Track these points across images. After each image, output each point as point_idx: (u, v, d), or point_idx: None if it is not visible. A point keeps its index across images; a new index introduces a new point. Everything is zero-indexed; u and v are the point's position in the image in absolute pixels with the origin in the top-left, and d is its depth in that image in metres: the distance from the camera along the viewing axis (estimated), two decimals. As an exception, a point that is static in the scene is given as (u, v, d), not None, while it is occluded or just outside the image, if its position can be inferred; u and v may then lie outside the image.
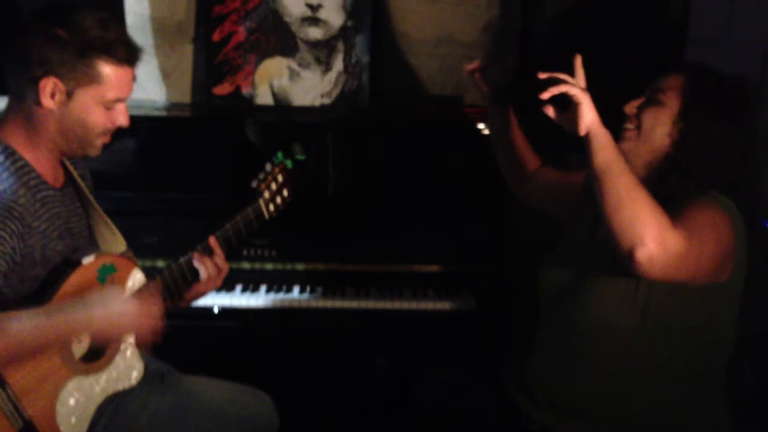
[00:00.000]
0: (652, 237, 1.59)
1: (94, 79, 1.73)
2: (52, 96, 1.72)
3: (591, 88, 1.85)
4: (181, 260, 1.97)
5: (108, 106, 1.78)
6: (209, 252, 1.99)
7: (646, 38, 2.62)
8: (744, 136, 1.80)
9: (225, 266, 2.02)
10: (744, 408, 2.03)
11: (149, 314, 1.79)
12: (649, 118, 1.84)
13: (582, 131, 1.71)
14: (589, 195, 1.99)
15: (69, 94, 1.73)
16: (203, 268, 1.97)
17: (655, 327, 1.79)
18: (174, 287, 1.96)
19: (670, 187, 1.80)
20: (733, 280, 1.77)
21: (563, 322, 1.91)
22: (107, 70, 1.74)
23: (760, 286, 2.39)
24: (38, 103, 1.72)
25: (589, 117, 1.71)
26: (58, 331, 1.68)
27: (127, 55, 1.77)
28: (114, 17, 1.78)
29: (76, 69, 1.71)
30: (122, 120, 1.82)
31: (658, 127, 1.82)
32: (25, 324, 1.62)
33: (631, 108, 1.88)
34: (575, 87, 1.72)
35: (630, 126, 1.87)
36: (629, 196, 1.64)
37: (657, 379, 1.83)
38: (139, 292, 1.86)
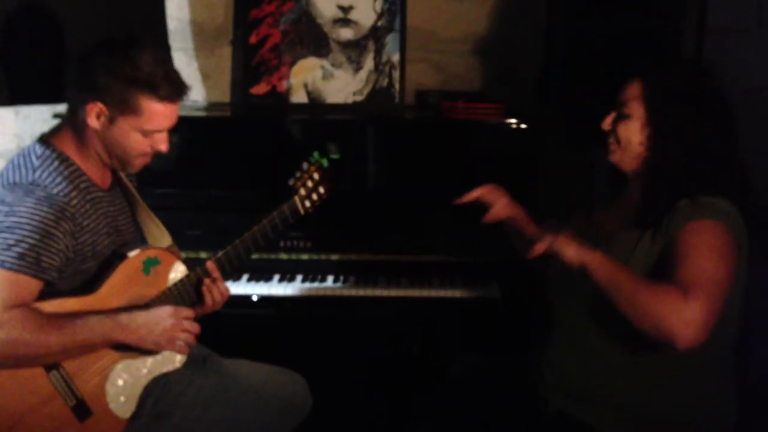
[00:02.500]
0: (678, 329, 1.67)
1: (134, 110, 1.88)
2: (97, 118, 1.89)
3: (609, 83, 1.95)
4: (184, 279, 2.07)
5: (146, 134, 1.93)
6: (208, 276, 2.09)
7: (662, 31, 2.66)
8: (713, 123, 1.85)
9: (226, 291, 2.12)
10: (749, 396, 2.08)
11: (181, 329, 1.94)
12: (623, 131, 1.92)
13: (575, 266, 1.81)
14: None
15: (111, 119, 1.89)
16: (206, 290, 2.08)
17: None
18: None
19: (659, 194, 1.86)
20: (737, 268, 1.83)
21: (571, 311, 2.00)
22: (148, 104, 1.88)
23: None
24: (85, 122, 1.89)
25: (572, 255, 1.80)
26: (106, 334, 1.86)
27: (171, 93, 1.91)
28: (168, 56, 1.94)
29: (120, 99, 1.87)
30: (161, 147, 1.97)
31: (633, 138, 1.91)
32: (78, 324, 1.81)
33: (606, 125, 1.97)
34: (548, 241, 1.83)
35: (612, 140, 1.96)
36: (641, 303, 1.72)
37: (661, 365, 1.90)
38: (178, 308, 1.97)
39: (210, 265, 2.08)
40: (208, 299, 2.07)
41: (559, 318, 2.06)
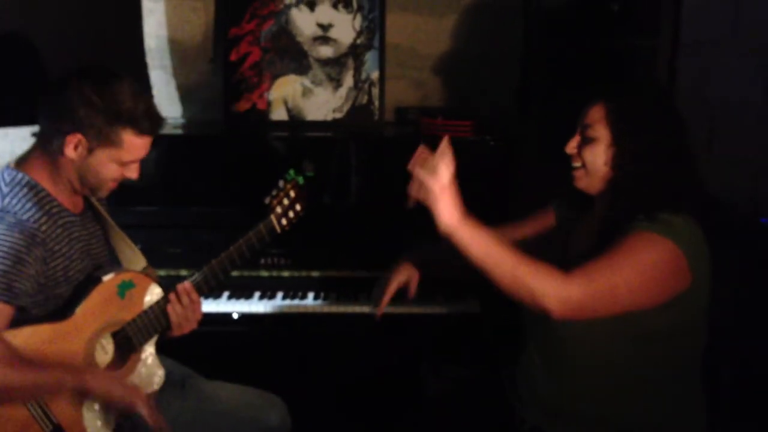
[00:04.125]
0: (551, 301, 1.76)
1: (115, 143, 1.90)
2: (75, 148, 1.89)
3: (584, 99, 1.97)
4: (159, 301, 2.07)
5: (122, 164, 1.95)
6: (182, 297, 2.09)
7: (636, 47, 2.69)
8: (675, 142, 1.89)
9: (197, 314, 2.12)
10: (722, 403, 2.10)
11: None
12: (588, 155, 1.93)
13: (441, 231, 1.78)
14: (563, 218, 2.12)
15: (90, 150, 1.90)
16: (173, 314, 2.08)
17: (624, 332, 1.88)
18: (151, 328, 2.08)
19: (619, 211, 1.89)
20: (694, 286, 1.86)
21: (543, 328, 2.00)
22: (129, 138, 1.91)
23: (758, 283, 2.48)
24: (61, 151, 1.90)
25: (442, 220, 1.77)
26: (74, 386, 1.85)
27: (151, 127, 1.94)
28: (145, 90, 1.96)
29: (102, 132, 1.88)
30: (133, 175, 2.00)
31: (598, 160, 1.92)
32: (48, 373, 1.81)
33: (571, 149, 1.97)
34: (427, 187, 1.78)
35: (577, 164, 1.97)
36: (515, 280, 1.77)
37: (630, 380, 1.92)
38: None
39: (180, 287, 2.08)
40: (173, 320, 2.08)
41: (533, 334, 2.07)
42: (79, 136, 1.88)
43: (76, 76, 1.90)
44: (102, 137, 1.89)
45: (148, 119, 1.92)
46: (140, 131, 1.92)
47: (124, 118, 1.88)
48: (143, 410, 1.88)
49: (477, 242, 1.78)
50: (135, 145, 1.93)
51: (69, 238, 1.97)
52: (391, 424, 2.34)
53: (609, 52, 2.67)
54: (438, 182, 1.80)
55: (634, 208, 1.87)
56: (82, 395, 1.89)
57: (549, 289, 1.77)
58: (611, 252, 1.81)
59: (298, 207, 2.26)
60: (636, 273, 1.79)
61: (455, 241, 1.78)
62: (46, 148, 1.93)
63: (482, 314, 2.60)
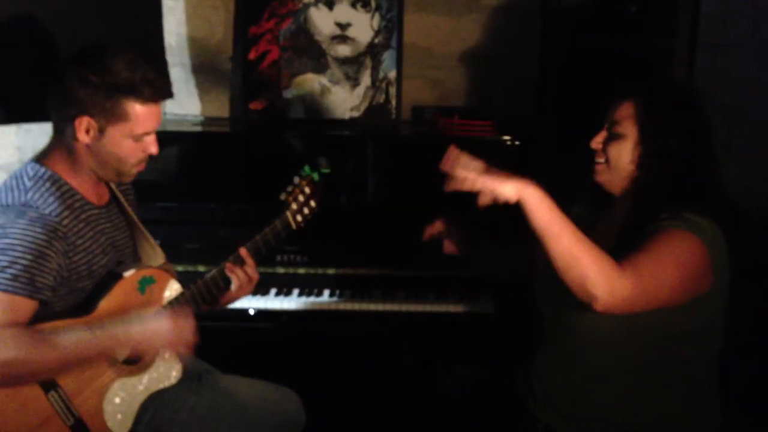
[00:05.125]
0: (601, 291, 1.71)
1: (122, 117, 1.90)
2: (87, 132, 1.90)
3: (602, 100, 1.98)
4: (214, 271, 2.14)
5: (137, 139, 1.95)
6: (240, 262, 2.16)
7: (653, 48, 2.70)
8: (701, 143, 1.90)
9: (255, 275, 2.19)
10: (736, 405, 2.10)
11: (182, 330, 1.95)
12: (613, 151, 1.94)
13: (512, 201, 1.77)
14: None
15: (101, 131, 1.90)
16: (234, 277, 2.14)
17: (640, 332, 1.89)
18: (208, 295, 2.14)
19: (643, 211, 1.90)
20: (714, 288, 1.86)
21: (557, 327, 2.02)
22: (134, 108, 1.90)
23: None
24: (75, 138, 1.91)
25: (509, 192, 1.76)
26: (100, 346, 1.87)
27: (153, 93, 1.92)
28: (142, 58, 1.94)
29: (106, 109, 1.88)
30: (152, 149, 1.99)
31: (623, 158, 1.93)
32: (72, 339, 1.83)
33: (596, 144, 1.99)
34: (477, 180, 1.80)
35: (600, 160, 1.98)
36: (572, 257, 1.74)
37: (646, 380, 1.93)
38: (174, 310, 2.02)
39: (243, 251, 2.15)
40: (235, 283, 2.16)
41: (547, 332, 2.08)
42: (86, 118, 1.88)
43: (71, 60, 1.91)
44: (107, 113, 1.88)
45: (148, 86, 1.90)
46: (143, 99, 1.90)
47: (124, 89, 1.87)
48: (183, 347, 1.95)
49: (544, 206, 1.76)
50: (142, 115, 1.91)
51: (93, 232, 1.98)
52: (404, 422, 2.35)
53: (626, 53, 2.67)
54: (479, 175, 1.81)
55: (658, 207, 1.87)
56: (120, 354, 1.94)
57: (602, 277, 1.72)
58: (651, 247, 1.80)
59: (313, 203, 2.28)
60: (676, 269, 1.79)
61: (524, 202, 1.76)
62: (61, 139, 1.94)
63: (496, 313, 2.61)
